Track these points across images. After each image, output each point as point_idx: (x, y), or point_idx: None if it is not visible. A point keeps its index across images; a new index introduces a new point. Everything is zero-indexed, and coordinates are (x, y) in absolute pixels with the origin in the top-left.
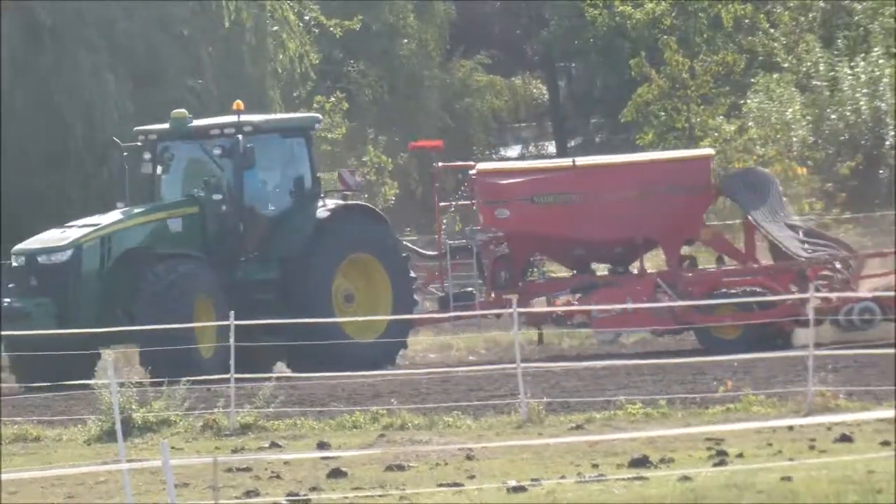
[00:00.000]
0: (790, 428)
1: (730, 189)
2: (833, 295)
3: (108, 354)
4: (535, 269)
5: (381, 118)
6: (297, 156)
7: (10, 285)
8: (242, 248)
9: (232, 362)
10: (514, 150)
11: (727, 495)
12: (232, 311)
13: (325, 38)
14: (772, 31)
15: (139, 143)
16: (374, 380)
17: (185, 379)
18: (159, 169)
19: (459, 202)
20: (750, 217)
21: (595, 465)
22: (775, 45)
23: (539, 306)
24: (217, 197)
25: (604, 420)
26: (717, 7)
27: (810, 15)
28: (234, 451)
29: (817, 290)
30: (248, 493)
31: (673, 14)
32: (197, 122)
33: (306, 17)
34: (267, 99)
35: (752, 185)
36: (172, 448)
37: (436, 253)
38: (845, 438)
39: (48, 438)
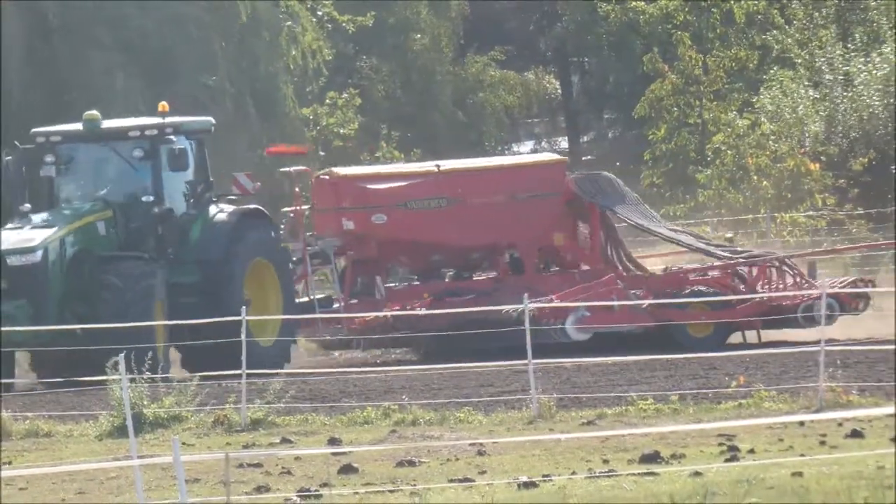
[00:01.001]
0: (801, 424)
1: (588, 193)
2: (846, 290)
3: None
4: (392, 276)
5: (393, 114)
6: (199, 158)
7: None
8: (161, 251)
9: (244, 357)
10: (527, 146)
11: (738, 491)
12: (244, 307)
13: (337, 33)
14: (786, 26)
15: (33, 146)
16: (385, 375)
17: (196, 375)
18: (56, 171)
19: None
20: (626, 219)
21: (606, 461)
22: (789, 40)
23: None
24: (147, 199)
25: (615, 416)
26: (730, 2)
27: (824, 10)
28: (245, 447)
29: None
30: (259, 489)
31: (686, 9)
32: (111, 124)
33: (319, 13)
34: (280, 95)
35: (607, 189)
36: (183, 444)
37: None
38: (856, 434)
39: (59, 434)
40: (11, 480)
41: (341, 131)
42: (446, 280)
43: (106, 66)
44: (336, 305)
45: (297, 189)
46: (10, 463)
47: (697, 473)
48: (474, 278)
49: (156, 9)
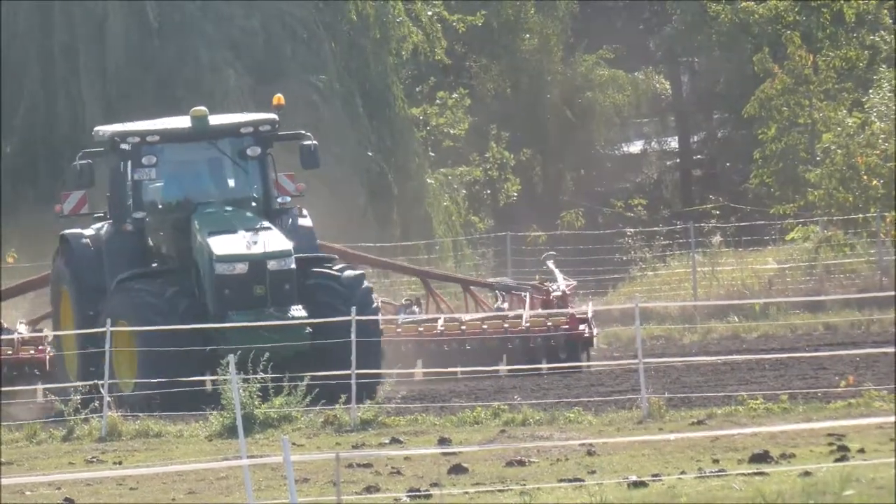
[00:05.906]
0: None
1: None
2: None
3: None
4: None
5: (503, 114)
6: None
7: (226, 292)
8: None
9: (353, 358)
10: (637, 146)
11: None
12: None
13: (447, 33)
14: (894, 26)
15: (128, 147)
16: (495, 375)
17: (306, 374)
18: (154, 173)
19: None
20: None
21: (716, 461)
22: None
23: None
24: (284, 200)
25: (724, 415)
26: (840, 2)
27: None
28: (355, 447)
29: None
30: (369, 489)
31: (796, 10)
32: (221, 120)
33: (429, 13)
34: (390, 94)
35: None
36: (293, 444)
37: None
38: None
39: (169, 434)
40: (122, 480)
41: (451, 131)
42: None
43: (213, 63)
44: None
45: None
46: (120, 463)
47: (807, 473)
48: None
49: (260, 8)
